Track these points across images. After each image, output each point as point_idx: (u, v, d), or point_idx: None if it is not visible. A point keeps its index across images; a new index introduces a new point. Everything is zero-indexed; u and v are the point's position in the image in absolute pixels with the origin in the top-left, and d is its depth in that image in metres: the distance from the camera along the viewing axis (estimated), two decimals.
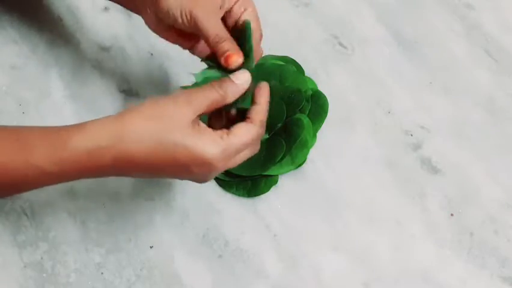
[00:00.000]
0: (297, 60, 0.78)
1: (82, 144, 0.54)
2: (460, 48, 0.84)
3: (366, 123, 0.77)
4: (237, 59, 0.58)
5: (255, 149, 0.60)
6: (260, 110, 0.59)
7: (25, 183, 0.57)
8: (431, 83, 0.81)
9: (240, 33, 0.60)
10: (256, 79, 0.65)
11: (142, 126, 0.54)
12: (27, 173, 0.55)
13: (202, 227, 0.69)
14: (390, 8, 0.87)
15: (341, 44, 0.83)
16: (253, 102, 0.59)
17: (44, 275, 0.66)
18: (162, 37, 0.65)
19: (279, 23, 0.84)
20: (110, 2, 0.71)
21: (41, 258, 0.67)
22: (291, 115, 0.72)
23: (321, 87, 0.77)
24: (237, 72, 0.58)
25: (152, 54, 0.80)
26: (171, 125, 0.54)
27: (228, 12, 0.62)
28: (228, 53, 0.58)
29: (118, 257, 0.67)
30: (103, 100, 0.77)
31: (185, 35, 0.64)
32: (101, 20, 0.83)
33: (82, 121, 0.56)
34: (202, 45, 0.65)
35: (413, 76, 0.81)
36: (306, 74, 0.78)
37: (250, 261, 0.68)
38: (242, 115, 0.59)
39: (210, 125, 0.58)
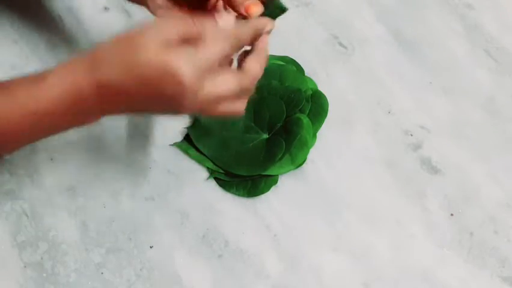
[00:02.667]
0: (297, 60, 0.78)
1: (59, 78, 0.54)
2: (460, 48, 0.84)
3: (366, 123, 0.77)
4: (258, 8, 0.57)
5: (239, 106, 0.56)
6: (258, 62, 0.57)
7: (20, 132, 0.56)
8: (431, 83, 0.81)
9: None
10: None
11: (113, 51, 0.52)
12: (17, 118, 0.55)
13: (202, 227, 0.69)
14: (390, 7, 0.87)
15: (341, 44, 0.83)
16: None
17: (44, 275, 0.66)
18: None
19: (279, 23, 0.84)
20: (110, 2, 0.71)
21: (41, 258, 0.67)
22: (291, 115, 0.72)
23: (321, 87, 0.77)
24: (224, 14, 0.57)
25: None
26: (139, 45, 0.51)
27: None
28: (247, 3, 0.57)
29: (118, 257, 0.67)
30: None
31: (190, 11, 0.62)
32: (101, 20, 0.83)
33: None
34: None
35: (413, 76, 0.81)
36: (306, 74, 0.78)
37: (250, 261, 0.68)
38: None
39: None
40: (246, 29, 0.57)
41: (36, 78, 0.55)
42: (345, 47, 0.83)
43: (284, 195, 0.72)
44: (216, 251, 0.68)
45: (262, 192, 0.71)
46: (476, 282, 0.68)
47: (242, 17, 0.58)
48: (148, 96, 0.53)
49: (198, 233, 0.69)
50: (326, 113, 0.74)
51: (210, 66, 0.52)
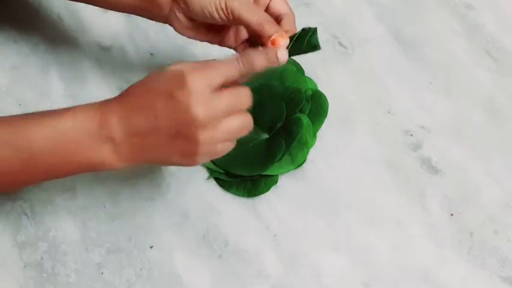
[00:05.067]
0: (297, 60, 0.78)
1: (82, 123, 0.56)
2: (460, 48, 0.84)
3: (366, 123, 0.77)
4: (284, 41, 0.60)
5: (244, 119, 0.58)
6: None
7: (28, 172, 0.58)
8: (431, 83, 0.81)
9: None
10: (256, 79, 0.65)
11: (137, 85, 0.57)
12: (27, 160, 0.57)
13: (202, 227, 0.69)
14: (390, 7, 0.87)
15: (341, 44, 0.83)
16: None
17: (44, 275, 0.66)
18: (191, 37, 0.67)
19: None
20: None
21: (41, 258, 0.67)
22: (291, 115, 0.72)
23: (321, 87, 0.77)
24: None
25: (152, 54, 0.80)
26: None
27: (255, 1, 0.64)
28: (275, 36, 0.60)
29: (118, 257, 0.67)
30: None
31: (216, 29, 0.66)
32: (101, 20, 0.83)
33: None
34: (230, 36, 0.67)
35: (413, 76, 0.81)
36: (306, 74, 0.78)
37: (250, 261, 0.68)
38: None
39: None
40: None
41: (57, 122, 0.56)
42: (345, 47, 0.83)
43: (284, 195, 0.72)
44: (216, 251, 0.68)
45: (262, 192, 0.71)
46: (476, 282, 0.68)
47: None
48: (156, 101, 0.56)
49: (198, 233, 0.69)
50: (326, 113, 0.74)
51: (217, 73, 0.56)
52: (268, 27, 0.60)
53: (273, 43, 0.60)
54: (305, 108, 0.73)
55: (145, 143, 0.56)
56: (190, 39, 0.67)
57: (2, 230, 0.68)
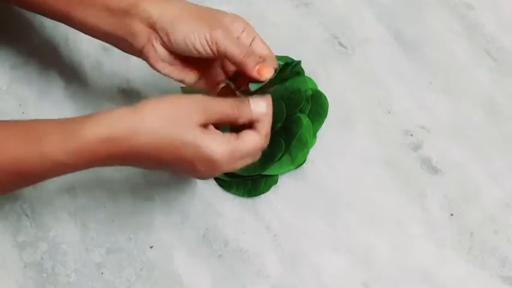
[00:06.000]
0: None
1: (96, 134, 0.55)
2: (460, 48, 0.84)
3: (366, 123, 0.77)
4: (269, 70, 0.60)
5: (256, 158, 0.62)
6: (267, 123, 0.60)
7: (37, 176, 0.58)
8: (431, 83, 0.81)
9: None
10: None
11: (158, 123, 0.56)
12: (40, 165, 0.56)
13: (202, 227, 0.69)
14: (390, 8, 0.87)
15: (341, 44, 0.83)
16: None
17: (44, 275, 0.66)
18: (164, 72, 0.64)
19: (279, 23, 0.84)
20: None
21: (41, 258, 0.67)
22: (291, 115, 0.72)
23: (321, 87, 0.77)
24: (258, 99, 0.60)
25: None
26: (184, 126, 0.56)
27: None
28: (259, 66, 0.60)
29: (118, 257, 0.67)
30: (103, 100, 0.77)
31: (192, 66, 0.65)
32: None
33: None
34: (212, 75, 0.66)
35: (413, 76, 0.81)
36: (306, 74, 0.78)
37: (250, 261, 0.68)
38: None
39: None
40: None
41: (69, 132, 0.55)
42: (345, 47, 0.83)
43: (284, 195, 0.72)
44: (216, 251, 0.68)
45: (262, 192, 0.71)
46: (476, 282, 0.68)
47: (254, 80, 0.60)
48: (178, 167, 0.59)
49: (198, 233, 0.69)
50: (326, 113, 0.74)
51: (241, 155, 0.59)
52: (252, 59, 0.60)
53: (258, 73, 0.60)
54: (305, 108, 0.73)
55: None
56: None
57: (2, 230, 0.68)
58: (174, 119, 0.56)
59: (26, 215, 0.69)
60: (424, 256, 0.69)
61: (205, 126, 0.57)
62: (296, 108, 0.73)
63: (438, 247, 0.70)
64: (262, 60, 0.61)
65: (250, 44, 0.63)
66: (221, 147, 0.56)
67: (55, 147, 0.55)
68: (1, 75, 0.78)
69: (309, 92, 0.75)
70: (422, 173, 0.74)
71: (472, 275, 0.68)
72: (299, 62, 0.65)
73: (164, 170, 0.64)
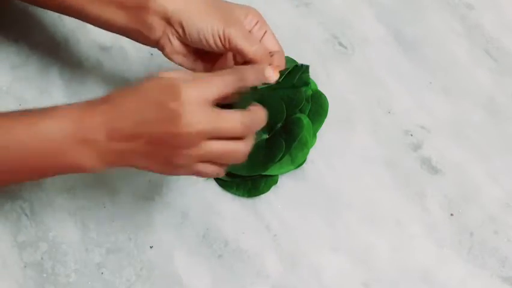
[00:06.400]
0: (297, 60, 0.78)
1: (68, 121, 0.55)
2: (460, 48, 0.84)
3: (366, 123, 0.77)
4: (276, 74, 0.60)
5: (234, 147, 0.58)
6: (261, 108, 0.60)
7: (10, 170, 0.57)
8: (431, 83, 0.81)
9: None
10: None
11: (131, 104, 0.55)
12: (10, 154, 0.56)
13: (202, 227, 0.69)
14: (390, 8, 0.87)
15: (341, 44, 0.83)
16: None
17: (44, 275, 0.66)
18: (179, 63, 0.66)
19: (279, 23, 0.84)
20: None
21: (41, 258, 0.67)
22: (291, 115, 0.72)
23: (321, 87, 0.77)
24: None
25: (152, 54, 0.80)
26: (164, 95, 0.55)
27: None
28: (268, 68, 0.60)
29: (118, 257, 0.67)
30: None
31: (204, 58, 0.65)
32: None
33: None
34: (222, 65, 0.66)
35: (413, 76, 0.81)
36: None
37: (250, 261, 0.68)
38: None
39: None
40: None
41: (37, 118, 0.55)
42: (345, 47, 0.83)
43: (284, 195, 0.72)
44: (216, 251, 0.68)
45: (262, 192, 0.71)
46: (476, 282, 0.68)
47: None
48: (148, 111, 0.55)
49: (198, 233, 0.69)
50: (326, 113, 0.74)
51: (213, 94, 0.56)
52: (263, 58, 0.61)
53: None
54: (305, 108, 0.73)
55: (127, 148, 0.55)
56: None
57: (2, 230, 0.68)
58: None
59: (26, 215, 0.69)
60: (424, 256, 0.69)
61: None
62: (296, 108, 0.73)
63: (438, 247, 0.70)
64: (271, 61, 0.62)
65: (262, 37, 0.64)
66: (182, 73, 0.56)
67: (27, 135, 0.55)
68: (1, 75, 0.78)
69: (309, 92, 0.75)
70: (422, 173, 0.74)
71: (472, 275, 0.68)
72: (307, 67, 0.65)
73: (153, 147, 0.58)
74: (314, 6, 0.86)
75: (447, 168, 0.75)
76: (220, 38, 0.61)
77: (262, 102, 0.73)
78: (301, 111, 0.73)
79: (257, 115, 0.59)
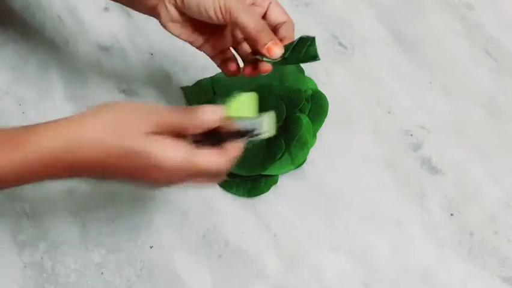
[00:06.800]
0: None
1: (36, 150, 0.52)
2: (460, 48, 0.84)
3: (366, 123, 0.77)
4: (279, 50, 0.59)
5: (216, 180, 0.58)
6: (237, 147, 0.56)
7: None
8: (431, 83, 0.81)
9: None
10: (256, 80, 0.65)
11: (100, 132, 0.52)
12: None
13: (202, 227, 0.69)
14: (390, 8, 0.87)
15: (341, 44, 0.83)
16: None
17: (44, 275, 0.66)
18: (175, 33, 0.64)
19: None
20: (111, 1, 0.71)
21: (41, 258, 0.67)
22: (291, 115, 0.72)
23: (321, 87, 0.77)
24: (208, 109, 0.54)
25: (152, 54, 0.80)
26: (128, 133, 0.52)
27: (253, 5, 0.62)
28: (270, 44, 0.58)
29: (118, 257, 0.67)
30: (103, 100, 0.76)
31: (201, 30, 0.64)
32: (101, 20, 0.83)
33: None
34: (220, 41, 0.65)
35: (413, 76, 0.81)
36: (306, 74, 0.78)
37: (250, 261, 0.68)
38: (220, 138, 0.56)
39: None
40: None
41: (12, 144, 0.53)
42: (345, 47, 0.83)
43: (284, 195, 0.72)
44: (216, 251, 0.68)
45: (262, 192, 0.71)
46: (476, 282, 0.68)
47: (262, 56, 0.59)
48: (126, 176, 0.54)
49: (198, 233, 0.69)
50: (326, 113, 0.74)
51: (197, 172, 0.53)
52: (264, 34, 0.59)
53: (268, 51, 0.59)
54: (305, 108, 0.73)
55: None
56: None
57: (2, 230, 0.68)
58: (117, 126, 0.52)
59: (26, 215, 0.69)
60: (424, 256, 0.69)
61: (153, 133, 0.52)
62: (296, 108, 0.73)
63: (438, 247, 0.70)
64: (274, 37, 0.59)
65: (267, 8, 0.62)
66: (171, 153, 0.52)
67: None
68: (1, 75, 0.78)
69: (309, 92, 0.75)
70: (422, 173, 0.74)
71: (472, 275, 0.68)
72: (314, 38, 0.61)
73: (118, 180, 0.57)
74: (314, 6, 0.86)
75: (447, 168, 0.75)
76: (220, 9, 0.59)
77: (262, 102, 0.74)
78: (301, 111, 0.73)
79: (231, 156, 0.56)
